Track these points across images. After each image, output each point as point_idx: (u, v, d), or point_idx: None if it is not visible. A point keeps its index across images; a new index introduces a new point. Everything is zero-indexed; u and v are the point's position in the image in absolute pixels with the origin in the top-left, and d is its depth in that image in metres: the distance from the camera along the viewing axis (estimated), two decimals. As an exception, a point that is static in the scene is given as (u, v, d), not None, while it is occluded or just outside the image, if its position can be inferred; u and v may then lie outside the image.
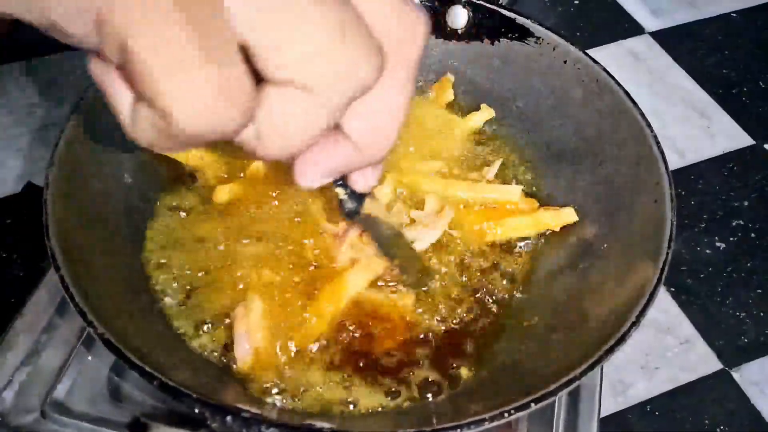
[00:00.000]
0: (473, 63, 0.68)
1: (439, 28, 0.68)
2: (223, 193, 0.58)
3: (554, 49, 0.63)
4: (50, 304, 0.56)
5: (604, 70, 0.60)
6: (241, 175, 0.60)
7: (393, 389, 0.50)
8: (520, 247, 0.58)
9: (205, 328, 0.51)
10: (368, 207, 0.52)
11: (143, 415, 0.49)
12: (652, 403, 0.64)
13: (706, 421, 0.63)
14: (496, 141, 0.66)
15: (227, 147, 0.58)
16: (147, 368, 0.40)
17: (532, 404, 0.41)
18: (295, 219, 0.57)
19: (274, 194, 0.58)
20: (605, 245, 0.55)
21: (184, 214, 0.58)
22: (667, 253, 0.48)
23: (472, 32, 0.67)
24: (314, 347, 0.51)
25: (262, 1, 0.26)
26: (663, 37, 0.98)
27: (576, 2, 1.03)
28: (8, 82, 0.83)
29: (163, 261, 0.54)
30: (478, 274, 0.56)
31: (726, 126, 0.87)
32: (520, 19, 0.64)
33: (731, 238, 0.76)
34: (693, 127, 0.87)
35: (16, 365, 0.53)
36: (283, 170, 0.57)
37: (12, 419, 0.51)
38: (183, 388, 0.40)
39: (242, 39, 0.26)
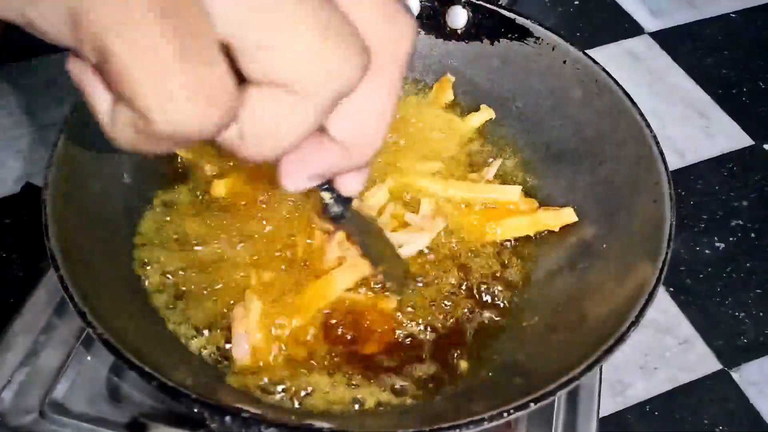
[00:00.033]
0: (473, 63, 0.68)
1: (439, 28, 0.68)
2: (220, 188, 0.58)
3: (554, 49, 0.63)
4: (49, 305, 0.56)
5: (604, 70, 0.60)
6: (230, 163, 0.60)
7: (398, 386, 0.50)
8: (520, 248, 0.58)
9: (203, 328, 0.51)
10: (357, 209, 0.51)
11: (142, 416, 0.49)
12: (651, 403, 0.64)
13: (705, 422, 0.63)
14: (495, 141, 0.66)
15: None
16: (146, 368, 0.40)
17: (532, 404, 0.41)
18: (291, 214, 0.57)
19: (271, 190, 0.58)
20: (605, 245, 0.55)
21: (183, 213, 0.58)
22: (667, 253, 0.48)
23: (472, 32, 0.67)
24: (317, 352, 0.51)
25: None
26: (662, 38, 0.98)
27: (575, 2, 1.03)
28: (7, 83, 0.83)
29: (159, 261, 0.54)
30: (478, 274, 0.56)
31: (725, 126, 0.87)
32: (520, 20, 0.64)
33: (730, 238, 0.76)
34: (692, 128, 0.87)
35: (15, 365, 0.53)
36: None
37: (11, 419, 0.51)
38: (182, 388, 0.40)
39: (223, 38, 0.25)
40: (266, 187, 0.58)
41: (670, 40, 0.98)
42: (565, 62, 0.62)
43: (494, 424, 0.40)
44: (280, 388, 0.49)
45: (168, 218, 0.57)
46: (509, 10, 0.64)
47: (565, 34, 0.63)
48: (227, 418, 0.39)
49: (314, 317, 0.52)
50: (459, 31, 0.67)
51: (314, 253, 0.54)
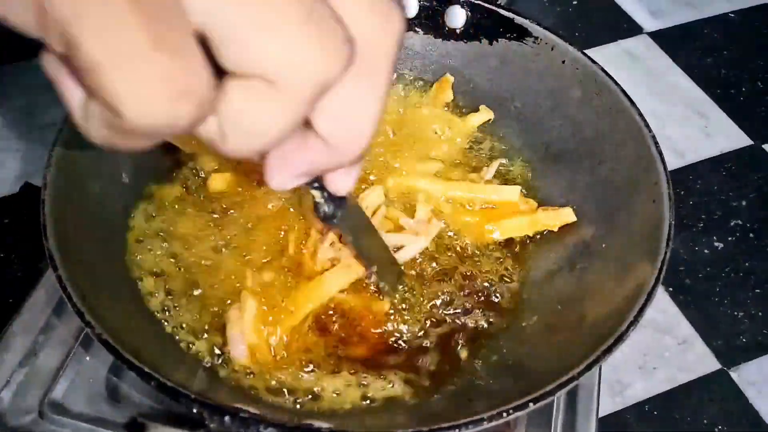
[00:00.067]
0: (471, 63, 0.68)
1: (437, 27, 0.68)
2: (217, 182, 0.58)
3: (552, 49, 0.63)
4: (48, 305, 0.56)
5: (603, 70, 0.60)
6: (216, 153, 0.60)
7: (401, 382, 0.50)
8: (519, 248, 0.58)
9: (201, 327, 0.51)
10: (356, 206, 0.50)
11: (141, 416, 0.49)
12: (650, 403, 0.64)
13: (704, 421, 0.63)
14: (494, 141, 0.66)
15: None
16: (145, 368, 0.40)
17: (531, 404, 0.41)
18: (285, 214, 0.57)
19: (267, 186, 0.58)
20: (604, 245, 0.55)
21: (179, 211, 0.58)
22: (666, 253, 0.48)
23: (471, 32, 0.67)
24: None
25: None
26: (661, 37, 0.98)
27: (574, 2, 1.03)
28: (7, 83, 0.83)
29: (158, 260, 0.54)
30: (477, 274, 0.56)
31: (724, 126, 0.88)
32: (519, 19, 0.64)
33: (729, 238, 0.76)
34: (691, 127, 0.87)
35: (14, 365, 0.53)
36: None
37: (10, 420, 0.51)
38: (181, 388, 0.40)
39: (199, 27, 0.24)
40: (263, 182, 0.58)
41: (669, 40, 0.98)
42: (564, 62, 0.62)
43: (494, 424, 0.40)
44: (286, 388, 0.49)
45: (162, 216, 0.57)
46: (508, 10, 0.64)
47: (564, 34, 0.63)
48: (226, 418, 0.39)
49: (307, 319, 0.52)
50: (458, 31, 0.67)
51: (307, 254, 0.54)
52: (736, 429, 0.63)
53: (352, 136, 0.31)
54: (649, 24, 1.00)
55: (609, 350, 0.44)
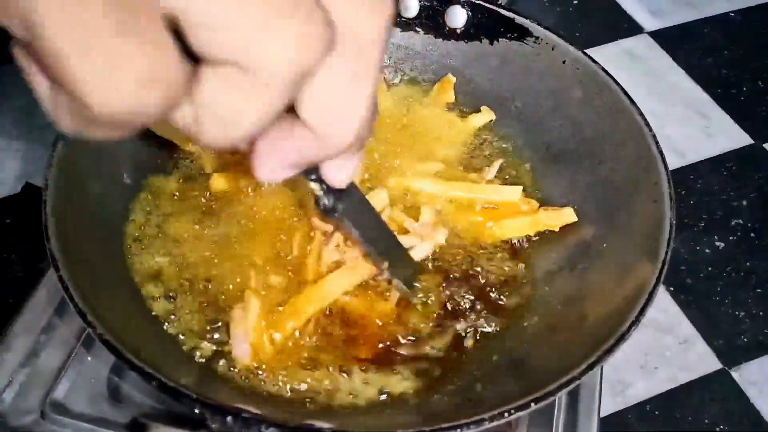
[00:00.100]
0: (472, 63, 0.68)
1: (438, 27, 0.68)
2: (219, 182, 0.58)
3: (553, 48, 0.63)
4: (49, 305, 0.56)
5: (603, 69, 0.60)
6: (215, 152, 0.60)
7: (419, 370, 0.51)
8: (520, 248, 0.58)
9: (203, 328, 0.51)
10: (364, 198, 0.48)
11: (143, 416, 0.49)
12: (652, 403, 0.64)
13: (706, 421, 0.63)
14: (495, 141, 0.66)
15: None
16: (146, 368, 0.40)
17: (532, 404, 0.41)
18: (290, 214, 0.57)
19: (269, 186, 0.58)
20: (604, 245, 0.55)
21: (183, 212, 0.58)
22: (666, 253, 0.48)
23: (471, 32, 0.67)
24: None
25: None
26: (662, 37, 0.98)
27: (575, 2, 1.03)
28: (7, 83, 0.83)
29: (160, 260, 0.54)
30: (478, 274, 0.56)
31: (725, 126, 0.88)
32: (519, 19, 0.64)
33: (730, 238, 0.76)
34: (692, 127, 0.87)
35: (16, 366, 0.53)
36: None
37: (11, 420, 0.51)
38: (182, 388, 0.40)
39: (169, 12, 0.23)
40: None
41: (670, 39, 0.98)
42: (564, 62, 0.62)
43: (495, 424, 0.40)
44: (302, 386, 0.49)
45: (164, 216, 0.57)
46: (508, 10, 0.64)
47: (565, 34, 0.63)
48: (228, 418, 0.39)
49: (311, 320, 0.52)
50: (458, 31, 0.67)
51: (312, 257, 0.54)
52: (737, 428, 0.63)
53: (339, 125, 0.30)
54: (650, 24, 1.00)
55: (610, 350, 0.44)
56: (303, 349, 0.51)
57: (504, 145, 0.65)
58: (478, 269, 0.57)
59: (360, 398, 0.49)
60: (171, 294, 0.53)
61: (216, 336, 0.51)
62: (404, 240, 0.55)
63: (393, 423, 0.46)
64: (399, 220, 0.57)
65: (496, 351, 0.52)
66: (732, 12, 1.02)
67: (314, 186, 0.37)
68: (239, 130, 0.26)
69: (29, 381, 0.53)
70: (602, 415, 0.55)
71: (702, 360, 0.67)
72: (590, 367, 0.43)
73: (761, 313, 0.70)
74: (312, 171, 0.36)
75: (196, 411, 0.39)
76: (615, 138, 0.58)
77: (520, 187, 0.61)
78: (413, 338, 0.52)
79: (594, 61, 0.61)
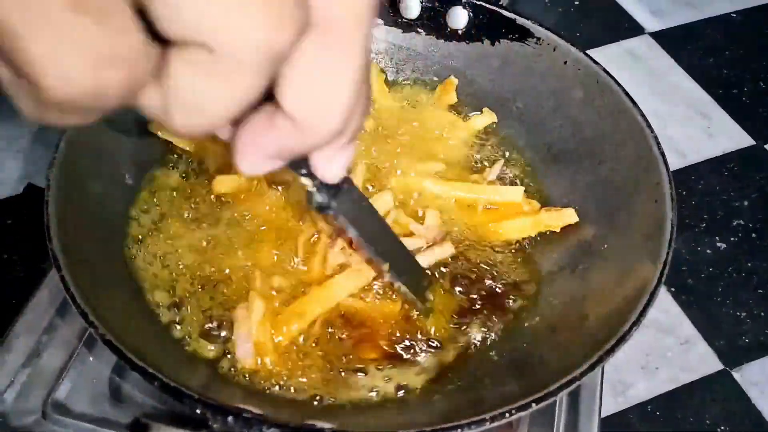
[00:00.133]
0: (473, 64, 0.68)
1: (440, 28, 0.68)
2: (222, 184, 0.58)
3: (554, 49, 0.63)
4: (51, 305, 0.56)
5: (604, 70, 0.60)
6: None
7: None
8: (521, 248, 0.58)
9: (206, 328, 0.51)
10: (362, 196, 0.45)
11: (144, 416, 0.49)
12: (653, 403, 0.64)
13: (707, 421, 0.63)
14: (496, 142, 0.66)
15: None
16: (148, 369, 0.40)
17: (533, 404, 0.41)
18: (295, 216, 0.57)
19: (274, 187, 0.58)
20: (606, 245, 0.55)
21: (183, 211, 0.58)
22: (668, 254, 0.49)
23: (473, 33, 0.67)
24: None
25: None
26: (663, 38, 0.98)
27: (576, 3, 1.03)
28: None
29: (162, 261, 0.54)
30: (479, 274, 0.56)
31: (726, 126, 0.88)
32: (520, 20, 0.64)
33: (732, 238, 0.76)
34: (693, 128, 0.87)
35: (17, 366, 0.53)
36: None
37: (13, 420, 0.51)
38: (184, 388, 0.40)
39: None
40: (268, 187, 0.58)
41: (671, 40, 0.98)
42: (566, 62, 0.62)
43: (496, 424, 0.41)
44: (304, 386, 0.49)
45: (167, 217, 0.57)
46: (510, 11, 0.65)
47: (566, 35, 0.63)
48: (229, 419, 0.39)
49: (317, 321, 0.52)
50: (460, 32, 0.67)
51: (317, 260, 0.54)
52: (738, 429, 0.63)
53: (321, 114, 0.28)
54: (651, 24, 1.00)
55: (611, 350, 0.44)
56: (307, 350, 0.51)
57: (505, 146, 0.65)
58: (479, 270, 0.57)
59: (361, 397, 0.49)
60: (173, 294, 0.53)
61: (219, 336, 0.51)
62: (409, 242, 0.55)
63: (394, 423, 0.46)
64: (404, 222, 0.57)
65: (497, 351, 0.52)
66: (733, 12, 1.02)
67: (306, 181, 0.35)
68: (210, 118, 0.25)
69: (31, 381, 0.53)
70: (603, 415, 0.55)
71: (703, 360, 0.67)
72: (591, 367, 0.43)
73: (762, 314, 0.70)
74: (302, 165, 0.34)
75: (198, 411, 0.40)
76: (616, 138, 0.58)
77: (522, 188, 0.61)
78: (415, 339, 0.52)
79: (595, 62, 0.61)
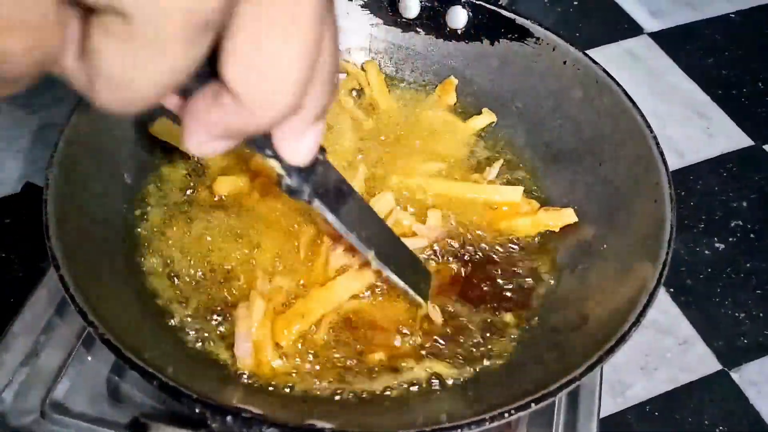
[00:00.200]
0: (473, 63, 0.68)
1: (439, 28, 0.68)
2: (223, 185, 0.58)
3: (554, 49, 0.63)
4: (50, 305, 0.56)
5: (604, 70, 0.60)
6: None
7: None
8: (521, 248, 0.58)
9: (206, 327, 0.51)
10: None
11: (143, 416, 0.49)
12: (652, 404, 0.64)
13: (706, 422, 0.63)
14: (496, 142, 0.66)
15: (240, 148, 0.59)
16: (147, 368, 0.40)
17: (532, 404, 0.42)
18: (297, 218, 0.57)
19: (276, 190, 0.58)
20: (605, 246, 0.55)
21: (185, 212, 0.58)
22: (667, 254, 0.49)
23: (472, 33, 0.67)
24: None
25: None
26: (662, 38, 0.98)
27: (575, 3, 1.03)
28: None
29: (161, 260, 0.54)
30: (479, 274, 0.56)
31: (725, 126, 0.88)
32: (520, 20, 0.64)
33: (730, 239, 0.76)
34: (692, 128, 0.87)
35: (16, 366, 0.53)
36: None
37: (11, 420, 0.51)
38: (183, 388, 0.40)
39: None
40: (269, 188, 0.58)
41: (670, 40, 0.98)
42: (565, 62, 0.62)
43: (495, 424, 0.41)
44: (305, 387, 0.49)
45: (173, 218, 0.57)
46: (509, 11, 0.65)
47: (565, 35, 0.63)
48: (228, 418, 0.39)
49: (322, 322, 0.52)
50: (459, 32, 0.67)
51: (319, 262, 0.54)
52: (737, 429, 0.63)
53: (267, 90, 0.26)
54: (650, 24, 1.00)
55: (611, 351, 0.44)
56: (311, 351, 0.51)
57: (505, 146, 0.65)
58: (479, 270, 0.57)
59: (363, 397, 0.49)
60: (173, 294, 0.53)
61: (218, 335, 0.51)
62: (411, 243, 0.55)
63: (394, 423, 0.46)
64: (406, 223, 0.57)
65: (496, 351, 0.52)
66: (732, 13, 1.02)
67: (273, 163, 0.33)
68: (136, 93, 0.23)
69: (29, 381, 0.53)
70: (602, 415, 0.55)
71: (702, 361, 0.67)
72: (590, 367, 0.43)
73: (761, 315, 0.70)
74: (266, 145, 0.31)
75: (197, 411, 0.39)
76: (615, 138, 0.58)
77: (521, 188, 0.61)
78: (416, 340, 0.52)
79: (594, 62, 0.61)
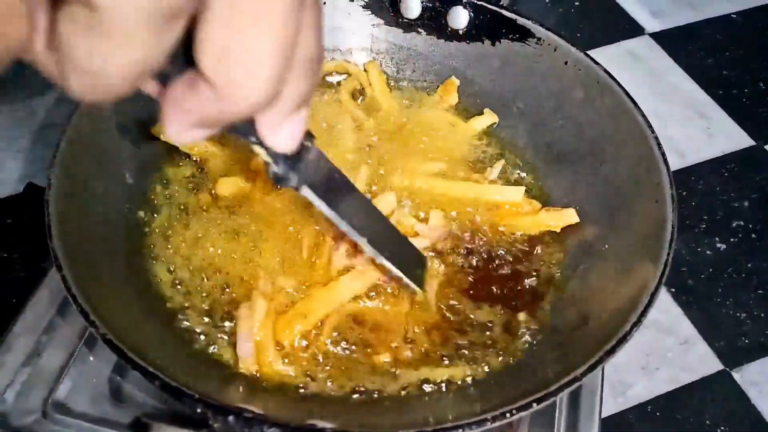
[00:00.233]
0: (474, 64, 0.68)
1: (440, 29, 0.68)
2: (225, 186, 0.58)
3: (555, 50, 0.63)
4: (51, 305, 0.56)
5: (605, 70, 0.60)
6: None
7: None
8: (521, 248, 0.58)
9: (208, 327, 0.51)
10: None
11: (145, 416, 0.49)
12: (653, 404, 0.64)
13: (707, 422, 0.63)
14: (497, 142, 0.66)
15: (230, 139, 0.59)
16: (149, 368, 0.40)
17: (534, 404, 0.42)
18: (299, 218, 0.57)
19: (278, 190, 0.58)
20: (606, 246, 0.55)
21: (186, 212, 0.58)
22: (668, 254, 0.49)
23: (473, 33, 0.67)
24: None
25: None
26: (663, 38, 0.98)
27: (576, 3, 1.03)
28: (8, 82, 0.83)
29: (164, 260, 0.55)
30: (480, 275, 0.56)
31: (726, 127, 0.88)
32: (521, 20, 0.64)
33: (731, 239, 0.76)
34: (693, 128, 0.87)
35: (18, 366, 0.53)
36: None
37: (13, 419, 0.51)
38: (185, 388, 0.40)
39: None
40: (271, 188, 0.58)
41: (671, 40, 0.98)
42: (566, 63, 0.62)
43: (497, 424, 0.41)
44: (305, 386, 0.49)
45: (175, 218, 0.57)
46: (510, 11, 0.65)
47: (566, 35, 0.63)
48: (230, 418, 0.39)
49: (326, 322, 0.52)
50: (460, 32, 0.67)
51: (321, 262, 0.54)
52: (738, 429, 0.63)
53: (242, 77, 0.25)
54: (651, 25, 1.00)
55: (612, 351, 0.44)
56: (314, 351, 0.51)
57: (506, 146, 0.66)
58: (480, 270, 0.57)
59: (365, 397, 0.49)
60: (175, 293, 0.53)
61: (220, 335, 0.51)
62: (413, 243, 0.55)
63: (394, 423, 0.46)
64: (408, 223, 0.57)
65: (497, 351, 0.52)
66: (733, 13, 1.02)
67: (259, 150, 0.33)
68: (107, 81, 0.23)
69: (31, 381, 0.53)
70: (603, 415, 0.55)
71: (703, 361, 0.67)
72: (592, 367, 0.43)
73: (762, 315, 0.70)
74: (251, 132, 0.31)
75: (198, 411, 0.40)
76: (617, 139, 0.58)
77: (523, 188, 0.61)
78: (420, 341, 0.52)
79: (596, 62, 0.61)
